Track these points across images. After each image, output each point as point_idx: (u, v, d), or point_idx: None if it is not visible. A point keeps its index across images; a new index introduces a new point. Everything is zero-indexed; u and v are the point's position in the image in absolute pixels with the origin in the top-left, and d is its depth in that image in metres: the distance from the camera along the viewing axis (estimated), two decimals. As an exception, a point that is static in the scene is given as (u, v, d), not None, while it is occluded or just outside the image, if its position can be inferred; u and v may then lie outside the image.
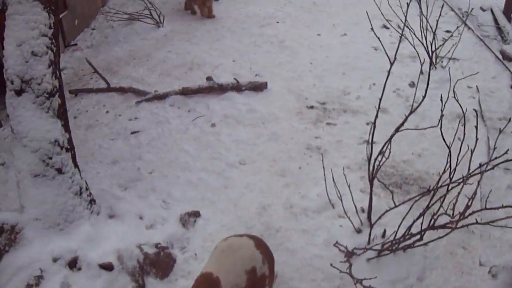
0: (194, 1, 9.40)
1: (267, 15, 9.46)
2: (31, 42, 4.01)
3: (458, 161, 3.76)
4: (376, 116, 4.06)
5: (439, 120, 3.64)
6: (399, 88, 6.53)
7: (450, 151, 3.72)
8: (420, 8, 6.69)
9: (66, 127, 4.30)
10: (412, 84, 6.61)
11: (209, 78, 6.57)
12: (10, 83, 4.06)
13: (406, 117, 3.92)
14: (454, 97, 3.66)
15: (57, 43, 4.23)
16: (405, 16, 4.39)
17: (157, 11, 9.21)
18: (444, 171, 3.82)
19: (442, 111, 3.70)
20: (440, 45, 6.78)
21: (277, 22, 9.10)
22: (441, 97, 3.70)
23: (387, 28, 8.04)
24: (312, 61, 7.41)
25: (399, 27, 7.16)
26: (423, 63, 4.60)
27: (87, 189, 4.44)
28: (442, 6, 6.73)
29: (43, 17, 4.08)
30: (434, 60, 6.69)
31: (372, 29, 4.76)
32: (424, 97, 3.93)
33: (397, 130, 4.02)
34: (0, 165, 5.68)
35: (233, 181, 5.05)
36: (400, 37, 4.50)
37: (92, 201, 4.47)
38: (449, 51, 6.97)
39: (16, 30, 4.04)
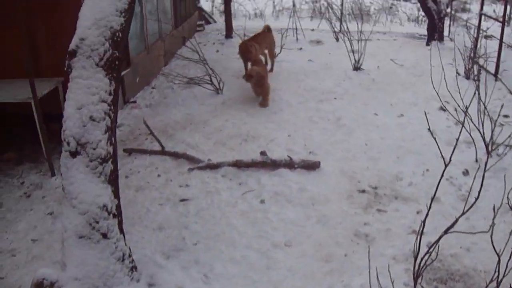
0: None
1: (325, 90, 9.51)
2: (91, 107, 4.10)
3: (507, 272, 3.58)
4: (429, 209, 3.95)
5: (491, 226, 3.50)
6: (452, 176, 6.33)
7: (499, 258, 3.55)
8: (478, 92, 6.56)
9: (116, 193, 4.33)
10: (465, 172, 6.41)
11: (263, 153, 6.55)
12: (66, 144, 4.14)
13: (456, 219, 3.80)
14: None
15: (115, 110, 4.32)
16: (462, 100, 4.29)
17: (217, 78, 9.38)
18: (492, 281, 3.65)
19: (494, 212, 3.56)
20: (496, 131, 6.58)
21: (335, 98, 9.13)
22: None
23: (444, 110, 7.91)
24: (367, 142, 7.33)
25: (456, 110, 7.07)
26: (478, 150, 4.48)
27: (130, 255, 4.42)
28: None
29: (104, 83, 4.18)
30: (490, 148, 6.50)
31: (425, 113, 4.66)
32: (479, 191, 3.81)
33: (446, 231, 3.89)
34: (48, 214, 5.77)
35: (276, 263, 4.92)
36: (462, 126, 4.39)
37: (133, 268, 4.44)
38: (508, 138, 6.66)
39: (77, 93, 4.14)
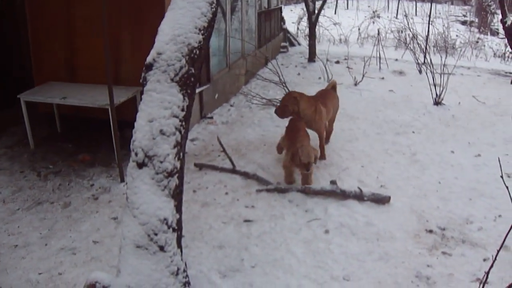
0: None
1: (403, 123, 9.30)
2: (162, 121, 4.12)
3: None
4: (496, 257, 3.73)
5: None
6: (525, 224, 6.00)
7: None
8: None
9: (178, 208, 4.31)
10: (541, 222, 6.05)
11: (333, 182, 6.42)
12: (134, 155, 4.16)
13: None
14: None
15: (186, 126, 4.32)
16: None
17: (296, 101, 9.31)
18: None
19: None
20: None
21: (413, 132, 8.91)
22: None
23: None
24: (441, 180, 7.06)
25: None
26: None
27: (184, 271, 4.38)
28: None
29: (177, 99, 4.19)
30: None
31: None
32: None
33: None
34: (113, 218, 5.86)
35: (332, 297, 4.79)
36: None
37: (186, 284, 4.39)
38: None
39: (150, 106, 4.17)
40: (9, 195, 6.65)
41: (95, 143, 7.72)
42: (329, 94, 8.07)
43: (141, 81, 4.39)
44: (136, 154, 4.15)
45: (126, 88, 7.53)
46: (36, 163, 7.50)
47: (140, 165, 4.14)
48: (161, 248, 4.12)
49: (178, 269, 4.26)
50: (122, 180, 6.58)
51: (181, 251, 4.44)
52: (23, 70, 9.61)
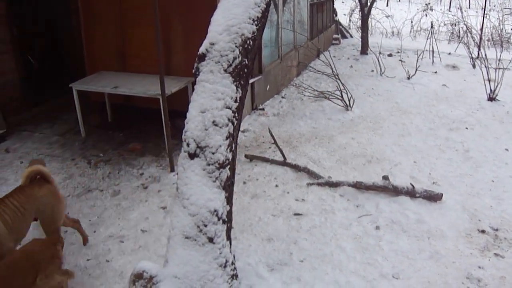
0: None
1: (456, 118, 9.07)
2: (214, 112, 4.08)
3: None
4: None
5: None
6: None
7: None
8: None
9: (229, 200, 4.27)
10: None
11: (385, 177, 6.28)
12: (186, 145, 4.14)
13: None
14: None
15: (239, 118, 4.27)
16: None
17: (348, 94, 9.19)
18: None
19: None
20: None
21: (466, 128, 8.66)
22: None
23: None
24: (494, 179, 6.83)
25: None
26: None
27: (233, 263, 4.35)
28: None
29: (230, 90, 4.15)
30: None
31: None
32: None
33: None
34: (162, 208, 5.87)
35: (381, 294, 4.68)
36: None
37: (234, 276, 4.36)
38: None
39: (202, 96, 4.13)
40: (60, 182, 6.75)
41: (145, 132, 7.76)
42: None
43: (193, 71, 4.36)
44: (188, 145, 4.12)
45: (178, 78, 7.54)
46: (87, 151, 7.60)
47: (192, 156, 4.11)
48: (210, 240, 4.09)
49: (226, 261, 4.23)
50: (172, 170, 6.60)
51: (230, 243, 4.40)
52: (76, 59, 9.74)
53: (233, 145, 4.25)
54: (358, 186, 6.28)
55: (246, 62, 4.26)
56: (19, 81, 9.05)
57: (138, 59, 8.29)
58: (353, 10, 21.03)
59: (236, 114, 4.22)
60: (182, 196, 4.09)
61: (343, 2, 29.05)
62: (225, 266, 4.21)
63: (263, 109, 9.34)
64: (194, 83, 4.34)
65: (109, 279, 4.86)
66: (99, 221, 5.78)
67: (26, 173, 4.69)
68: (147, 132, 7.80)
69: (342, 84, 9.35)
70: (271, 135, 7.10)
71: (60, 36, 10.56)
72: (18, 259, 4.21)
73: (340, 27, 18.52)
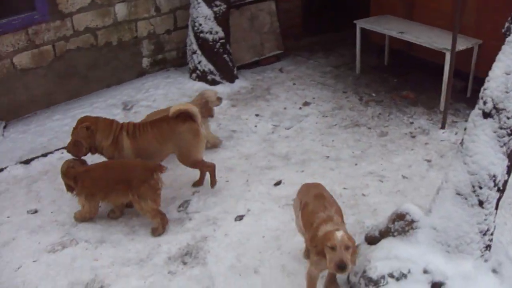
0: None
1: None
2: (521, 76, 3.91)
3: None
4: None
5: None
6: None
7: None
8: None
9: (509, 170, 4.13)
10: None
11: None
12: (482, 103, 4.04)
13: None
14: None
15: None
16: None
17: None
18: None
19: None
20: None
21: None
22: None
23: None
24: None
25: None
26: None
27: (492, 233, 4.26)
28: None
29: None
30: None
31: None
32: None
33: None
34: (426, 161, 5.87)
35: None
36: None
37: (488, 247, 4.27)
38: None
39: (510, 58, 3.96)
40: (329, 110, 7.08)
41: (420, 84, 7.71)
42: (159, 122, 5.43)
43: (503, 31, 4.18)
44: (484, 103, 4.02)
45: (464, 37, 7.28)
46: (359, 87, 7.80)
47: (486, 115, 4.01)
48: (480, 203, 4.02)
49: (488, 229, 4.15)
50: (443, 127, 6.50)
51: (496, 213, 4.30)
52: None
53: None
54: None
55: None
56: (302, 9, 9.49)
57: (427, 10, 8.11)
58: None
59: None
60: (466, 152, 4.05)
61: None
62: (484, 234, 4.14)
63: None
64: (481, 46, 4.14)
65: (361, 212, 5.07)
66: (362, 155, 5.99)
67: (176, 108, 5.19)
68: (422, 83, 7.74)
69: None
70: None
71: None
72: (114, 165, 5.09)
73: None
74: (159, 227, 5.01)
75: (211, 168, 5.54)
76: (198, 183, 5.69)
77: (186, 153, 5.36)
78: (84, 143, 5.12)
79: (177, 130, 5.24)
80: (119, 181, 4.87)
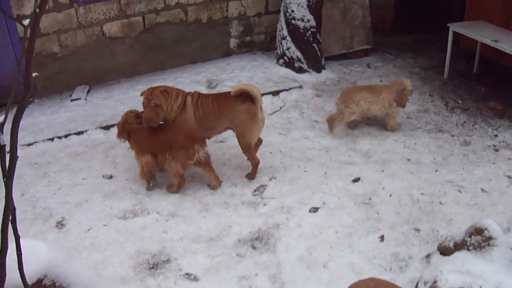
0: None
1: None
2: None
3: None
4: None
5: None
6: None
7: None
8: None
9: None
10: None
11: None
12: None
13: None
14: None
15: None
16: None
17: None
18: None
19: None
20: None
21: None
22: None
23: None
24: None
25: None
26: None
27: None
28: None
29: None
30: None
31: None
32: None
33: None
34: (507, 177, 5.76)
35: None
36: None
37: None
38: None
39: None
40: (414, 112, 7.06)
41: (509, 96, 7.54)
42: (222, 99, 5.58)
43: None
44: None
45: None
46: (446, 93, 7.72)
47: None
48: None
49: None
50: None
51: None
52: (453, 2, 9.65)
53: None
54: None
55: None
56: (394, 6, 9.42)
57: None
58: None
59: None
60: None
61: None
62: None
63: None
64: None
65: (436, 220, 5.05)
66: (443, 162, 5.95)
67: (238, 87, 5.38)
68: (511, 97, 7.57)
69: None
70: None
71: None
72: (163, 127, 5.42)
73: None
74: (175, 186, 5.46)
75: (255, 162, 5.68)
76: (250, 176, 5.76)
77: (241, 133, 5.51)
78: (164, 107, 5.36)
79: (234, 108, 5.41)
80: (164, 142, 5.25)
